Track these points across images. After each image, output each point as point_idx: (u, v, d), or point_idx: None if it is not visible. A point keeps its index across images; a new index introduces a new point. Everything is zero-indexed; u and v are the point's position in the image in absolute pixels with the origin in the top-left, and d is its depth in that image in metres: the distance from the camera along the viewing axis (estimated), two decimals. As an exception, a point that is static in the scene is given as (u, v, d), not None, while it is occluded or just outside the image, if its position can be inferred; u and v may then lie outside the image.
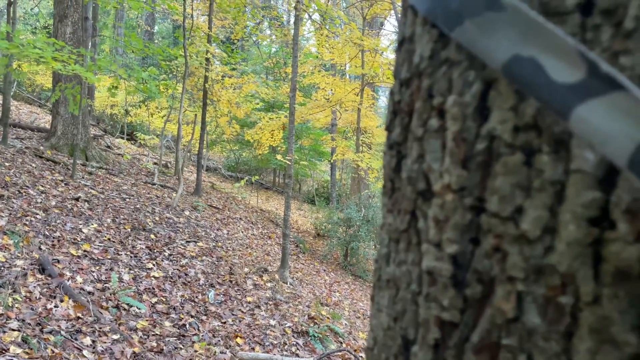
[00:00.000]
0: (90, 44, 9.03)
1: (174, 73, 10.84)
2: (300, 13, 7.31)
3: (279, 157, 7.87)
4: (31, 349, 3.10)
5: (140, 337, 3.95)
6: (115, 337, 3.71)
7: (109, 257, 4.98)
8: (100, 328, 3.76)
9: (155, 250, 5.64)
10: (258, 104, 10.39)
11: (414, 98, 0.50)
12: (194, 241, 6.50)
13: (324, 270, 8.45)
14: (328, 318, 5.78)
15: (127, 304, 4.31)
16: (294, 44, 6.99)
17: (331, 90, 11.21)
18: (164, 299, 4.81)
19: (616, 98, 0.32)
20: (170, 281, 5.23)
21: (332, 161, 12.13)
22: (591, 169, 0.37)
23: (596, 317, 0.37)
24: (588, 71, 0.34)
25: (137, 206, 6.83)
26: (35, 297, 3.74)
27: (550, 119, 0.38)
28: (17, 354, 2.99)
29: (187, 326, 4.43)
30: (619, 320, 0.36)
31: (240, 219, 8.69)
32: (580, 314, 0.37)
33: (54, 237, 4.85)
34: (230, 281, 5.87)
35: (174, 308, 4.73)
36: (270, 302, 5.60)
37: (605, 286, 0.36)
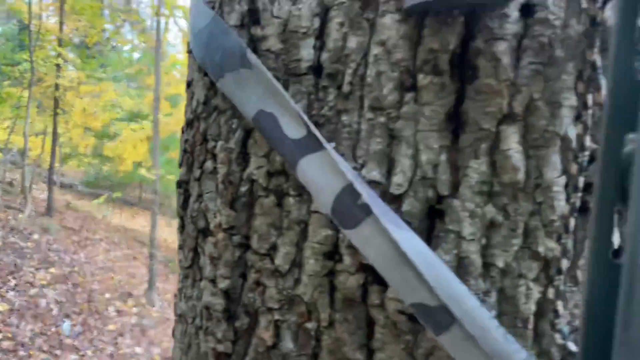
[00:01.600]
0: None
1: (19, 79, 9.68)
2: (162, 17, 7.03)
3: (142, 171, 7.44)
4: None
5: (-23, 383, 3.45)
6: (-59, 387, 3.19)
7: None
8: None
9: (-5, 281, 4.96)
10: (119, 113, 9.74)
11: (195, 139, 0.53)
12: (45, 267, 5.85)
13: (197, 286, 8.15)
14: (200, 336, 5.59)
15: (-41, 347, 3.74)
16: (156, 50, 6.71)
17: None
18: (9, 335, 4.26)
19: (322, 156, 0.38)
20: (17, 314, 4.65)
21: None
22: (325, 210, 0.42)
23: (332, 339, 0.42)
24: (307, 131, 0.39)
25: (-27, 232, 5.96)
26: None
27: (291, 167, 0.44)
28: None
29: (37, 364, 3.98)
30: (349, 341, 0.42)
31: (100, 240, 8.04)
32: (321, 337, 0.43)
33: None
34: (90, 309, 5.40)
35: (22, 344, 4.21)
36: (136, 329, 5.26)
37: (338, 311, 0.42)
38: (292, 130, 0.40)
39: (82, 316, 5.17)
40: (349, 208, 0.35)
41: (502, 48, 0.37)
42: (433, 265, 0.32)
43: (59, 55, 8.31)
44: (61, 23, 8.66)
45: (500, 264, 0.38)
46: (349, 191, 0.35)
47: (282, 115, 0.41)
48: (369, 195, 0.35)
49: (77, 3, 8.85)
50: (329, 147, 0.37)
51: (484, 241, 0.39)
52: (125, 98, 10.16)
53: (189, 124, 0.55)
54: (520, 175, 0.38)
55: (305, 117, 0.39)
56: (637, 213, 0.23)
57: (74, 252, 6.86)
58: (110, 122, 9.40)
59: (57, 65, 8.39)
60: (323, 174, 0.37)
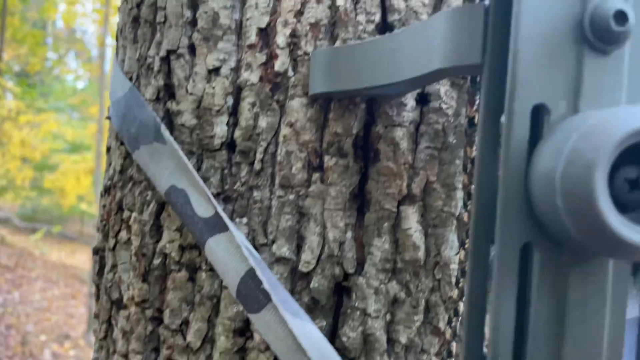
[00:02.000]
0: None
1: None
2: (108, 47, 6.91)
3: (83, 206, 7.13)
4: None
5: None
6: None
7: None
8: None
9: None
10: (60, 144, 9.36)
11: (111, 207, 0.52)
12: (-27, 310, 5.44)
13: (142, 325, 7.78)
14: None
15: None
16: (100, 80, 6.58)
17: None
18: None
19: (228, 237, 0.38)
20: (-64, 363, 4.27)
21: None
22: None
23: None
24: (215, 210, 0.40)
25: None
26: None
27: (203, 242, 0.44)
28: None
29: (-44, 419, 3.64)
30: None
31: (36, 278, 7.57)
32: (233, 415, 0.42)
33: None
34: (23, 353, 5.04)
35: (-59, 397, 3.86)
36: (73, 372, 4.94)
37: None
38: (202, 208, 0.40)
39: (13, 362, 4.81)
40: (252, 292, 0.35)
41: (400, 134, 0.40)
42: (326, 356, 0.33)
43: (-3, 83, 7.97)
44: (0, 51, 8.35)
45: (403, 340, 0.40)
46: (252, 275, 0.36)
47: (192, 193, 0.41)
48: (269, 282, 0.35)
49: (19, 31, 8.60)
50: (234, 228, 0.38)
51: (388, 317, 0.40)
52: (67, 128, 9.79)
53: (107, 190, 0.54)
54: (421, 253, 0.40)
55: (212, 197, 0.40)
56: (495, 320, 0.24)
57: (7, 292, 6.42)
58: (51, 154, 9.00)
59: (-5, 94, 8.04)
60: (229, 255, 0.37)
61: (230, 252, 0.38)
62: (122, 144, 0.50)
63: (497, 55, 0.26)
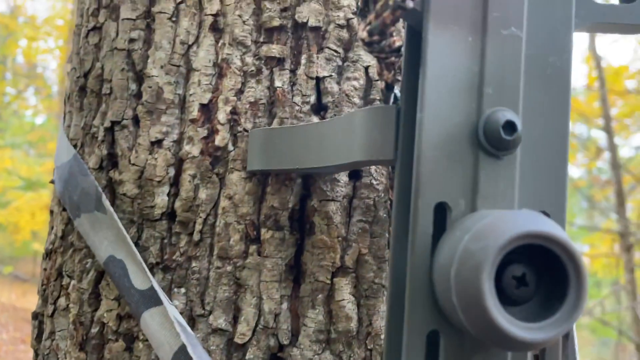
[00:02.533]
0: None
1: None
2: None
3: (36, 245, 6.84)
4: None
5: None
6: None
7: None
8: None
9: None
10: (16, 180, 9.02)
11: (51, 273, 0.52)
12: None
13: (95, 372, 7.37)
14: None
15: None
16: (60, 116, 6.45)
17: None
18: None
19: (163, 311, 0.39)
20: None
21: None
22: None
23: None
24: (151, 283, 0.40)
25: None
26: None
27: (141, 313, 0.44)
28: None
29: None
30: None
31: (-18, 321, 7.11)
32: None
33: None
34: (-39, 406, 4.68)
35: None
36: None
37: None
38: (139, 280, 0.41)
39: (-50, 417, 4.46)
40: (185, 369, 0.36)
41: (333, 208, 0.42)
42: None
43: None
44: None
45: (336, 411, 0.40)
46: (184, 351, 0.36)
47: (130, 264, 0.42)
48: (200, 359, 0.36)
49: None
50: (168, 303, 0.39)
51: (322, 388, 0.41)
52: (23, 165, 9.47)
53: (48, 254, 0.53)
54: (353, 324, 0.41)
55: (148, 270, 0.40)
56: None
57: (-54, 339, 5.98)
58: (5, 191, 8.65)
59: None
60: (163, 329, 0.38)
61: (165, 327, 0.38)
62: (64, 209, 0.50)
63: (407, 154, 0.29)
